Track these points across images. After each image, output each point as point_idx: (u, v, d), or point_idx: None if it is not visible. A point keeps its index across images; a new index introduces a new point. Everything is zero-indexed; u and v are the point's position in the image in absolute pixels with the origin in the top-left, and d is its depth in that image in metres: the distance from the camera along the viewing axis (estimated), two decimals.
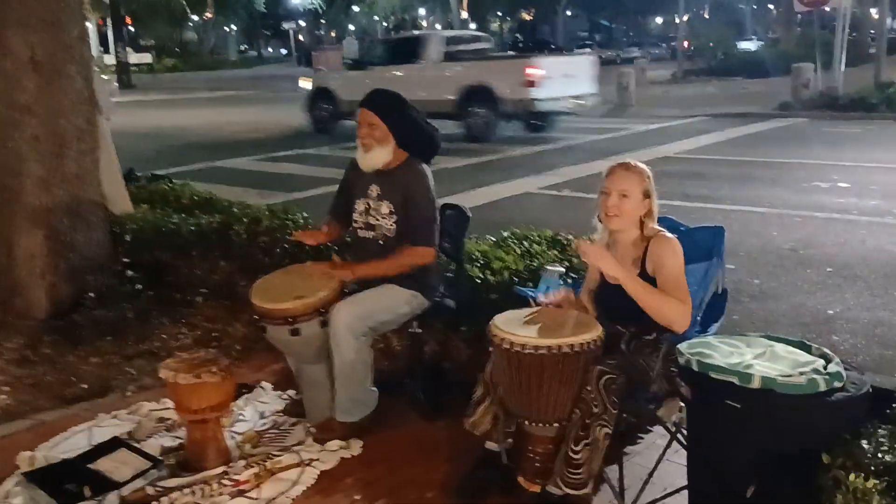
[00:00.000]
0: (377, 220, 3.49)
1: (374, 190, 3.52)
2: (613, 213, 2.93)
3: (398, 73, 15.14)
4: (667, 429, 2.88)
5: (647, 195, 2.90)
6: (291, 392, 3.91)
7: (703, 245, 3.00)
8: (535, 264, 4.14)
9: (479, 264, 4.20)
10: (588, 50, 15.39)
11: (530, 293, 3.23)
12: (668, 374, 2.80)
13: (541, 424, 2.77)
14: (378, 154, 3.45)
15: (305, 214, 6.09)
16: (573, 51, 15.51)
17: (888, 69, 18.75)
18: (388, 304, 3.40)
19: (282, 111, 21.36)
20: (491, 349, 2.82)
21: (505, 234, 4.72)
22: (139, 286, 5.17)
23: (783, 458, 2.10)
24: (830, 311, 5.19)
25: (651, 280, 2.83)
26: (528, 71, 13.82)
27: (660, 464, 2.94)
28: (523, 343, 2.66)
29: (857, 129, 14.40)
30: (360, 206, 3.58)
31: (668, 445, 2.91)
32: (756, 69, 27.14)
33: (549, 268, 3.22)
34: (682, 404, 2.86)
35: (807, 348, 2.41)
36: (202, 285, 5.38)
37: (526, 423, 2.80)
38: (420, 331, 3.68)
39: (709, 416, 2.28)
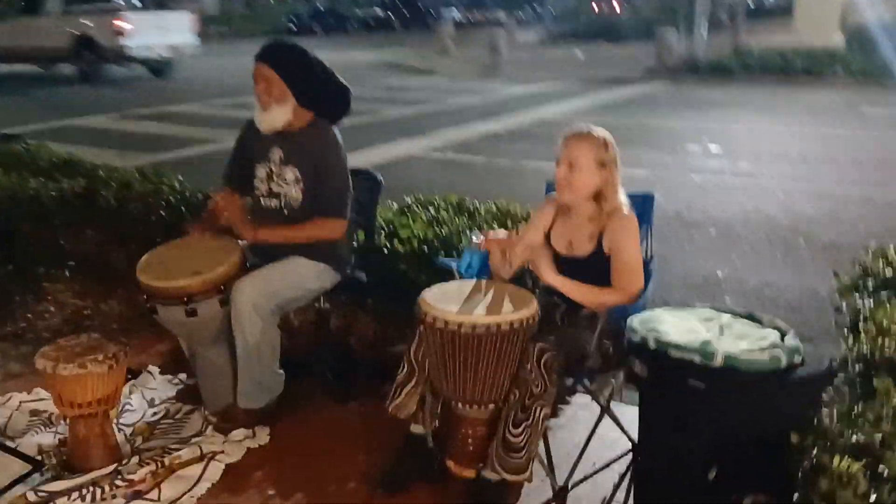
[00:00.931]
0: (281, 186, 3.17)
1: (277, 153, 3.19)
2: (563, 184, 2.74)
3: (26, 24, 17.68)
4: (600, 404, 2.76)
5: (602, 165, 2.71)
6: (182, 376, 3.57)
7: None
8: (443, 232, 3.93)
9: (384, 232, 3.95)
10: (186, 10, 18.39)
11: (454, 264, 3.02)
12: (603, 349, 2.68)
13: (475, 406, 2.59)
14: (277, 113, 3.12)
15: (181, 178, 5.64)
16: (167, 6, 18.12)
17: (749, 35, 19.64)
18: (296, 280, 3.11)
19: None
20: (421, 328, 2.59)
21: (408, 199, 4.48)
22: None
23: (747, 439, 2.01)
24: (719, 273, 5.28)
25: (608, 258, 2.68)
26: (116, 23, 16.58)
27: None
28: (459, 322, 2.45)
29: (720, 94, 14.94)
30: (260, 171, 3.24)
31: (599, 420, 2.80)
32: (619, 33, 27.81)
33: (474, 239, 3.01)
34: (615, 381, 2.77)
35: (757, 321, 2.33)
36: (68, 258, 4.87)
37: (458, 405, 2.61)
38: (328, 306, 3.41)
39: (666, 395, 2.17)
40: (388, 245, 3.87)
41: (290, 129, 3.17)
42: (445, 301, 2.57)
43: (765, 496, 2.00)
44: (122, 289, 4.58)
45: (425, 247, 3.85)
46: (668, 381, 2.14)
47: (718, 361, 2.03)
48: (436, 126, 11.23)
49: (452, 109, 13.51)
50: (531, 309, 2.53)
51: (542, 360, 2.47)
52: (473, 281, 2.78)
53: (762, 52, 18.21)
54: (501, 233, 2.86)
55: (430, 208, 4.34)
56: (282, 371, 3.16)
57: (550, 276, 2.65)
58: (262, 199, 3.24)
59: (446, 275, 3.71)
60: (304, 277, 3.13)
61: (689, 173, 8.20)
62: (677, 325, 2.24)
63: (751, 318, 2.35)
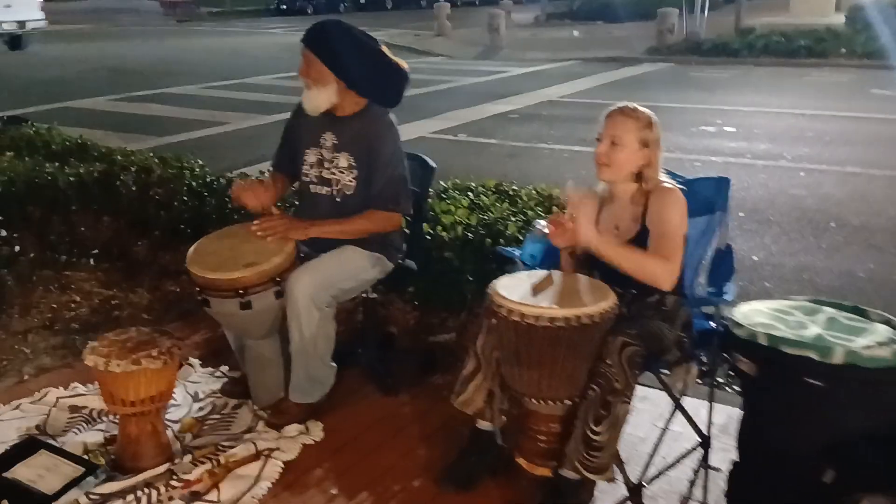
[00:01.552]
0: (333, 173, 3.04)
1: (329, 138, 3.06)
2: (602, 161, 2.63)
3: None
4: (674, 398, 2.66)
5: (645, 144, 2.60)
6: (224, 368, 3.45)
7: (703, 197, 2.75)
8: (488, 218, 3.81)
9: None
10: None
11: (516, 253, 2.91)
12: (680, 341, 2.58)
13: (549, 402, 2.48)
14: (318, 95, 2.99)
15: (201, 162, 5.50)
16: None
17: (748, 14, 19.49)
18: (351, 270, 2.98)
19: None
20: (493, 320, 2.47)
21: (445, 184, 4.36)
22: (17, 248, 4.47)
23: (865, 438, 1.92)
24: (755, 258, 5.19)
25: None
26: None
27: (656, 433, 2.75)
28: (537, 314, 2.33)
29: (724, 74, 14.85)
30: (310, 156, 3.11)
31: (673, 415, 2.71)
32: (616, 13, 27.53)
33: (537, 225, 2.89)
34: (688, 374, 2.67)
35: (862, 312, 2.23)
36: (91, 246, 4.73)
37: (532, 401, 2.50)
38: (374, 295, 3.29)
39: (779, 394, 2.06)
40: (431, 231, 3.76)
41: (344, 114, 3.04)
42: (518, 292, 2.46)
43: (884, 498, 1.91)
44: (148, 277, 4.46)
45: (469, 234, 3.74)
46: (781, 379, 2.03)
47: (838, 359, 1.93)
48: (443, 107, 11.07)
49: (458, 90, 13.36)
50: (610, 300, 2.41)
51: (625, 355, 2.37)
52: (543, 271, 2.66)
53: (764, 32, 18.07)
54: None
55: (469, 193, 4.22)
56: (334, 364, 3.04)
57: (591, 235, 2.44)
58: (311, 185, 3.10)
59: (492, 262, 3.62)
60: (360, 267, 3.01)
61: (708, 155, 8.10)
62: (783, 320, 2.13)
63: (856, 310, 2.24)
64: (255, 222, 2.96)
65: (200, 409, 3.13)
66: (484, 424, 2.71)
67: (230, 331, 3.11)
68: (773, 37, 17.37)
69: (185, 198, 5.01)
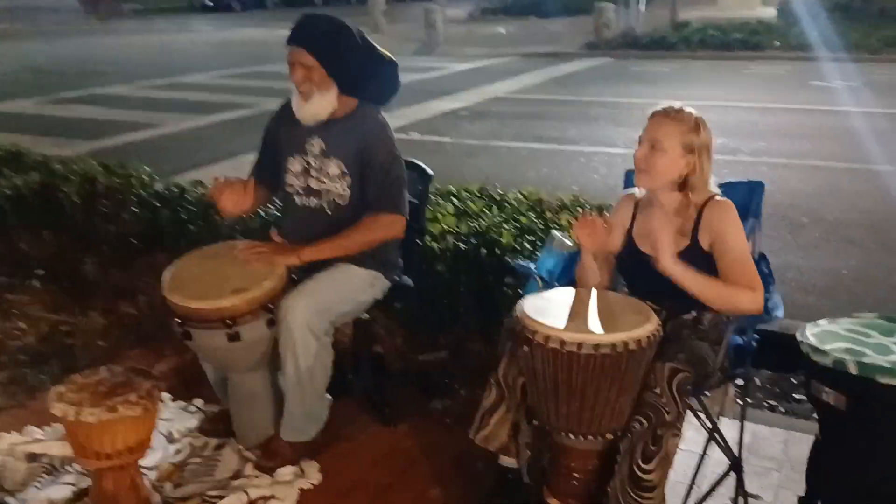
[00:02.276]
0: (323, 182, 2.73)
1: (318, 145, 2.74)
2: (641, 166, 2.39)
3: None
4: (712, 422, 2.44)
5: (689, 150, 2.36)
6: (199, 402, 3.10)
7: (736, 203, 2.53)
8: (481, 226, 3.54)
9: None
10: None
11: (531, 268, 2.64)
12: (722, 362, 2.36)
13: (589, 437, 2.23)
14: (320, 102, 2.67)
15: (148, 168, 5.09)
16: None
17: (682, 8, 19.68)
18: (348, 292, 2.68)
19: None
20: (525, 348, 2.20)
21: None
22: None
23: None
24: None
25: (705, 256, 2.34)
26: None
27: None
28: (579, 341, 2.07)
29: (664, 68, 14.88)
30: (294, 165, 2.78)
31: (709, 441, 2.50)
32: (548, 8, 27.57)
33: (557, 235, 2.64)
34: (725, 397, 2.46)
35: None
36: (33, 265, 4.29)
37: (570, 435, 2.24)
38: (367, 317, 2.99)
39: (875, 429, 1.84)
40: (419, 242, 3.47)
41: (333, 117, 2.72)
42: (550, 315, 2.20)
43: None
44: (100, 299, 4.05)
45: (461, 244, 3.47)
46: (876, 412, 1.81)
47: None
48: (389, 105, 10.73)
49: (403, 87, 12.97)
50: (654, 322, 2.17)
51: (675, 382, 2.13)
52: (570, 289, 2.40)
53: (699, 26, 18.25)
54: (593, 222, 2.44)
55: (453, 198, 3.95)
56: (329, 396, 2.73)
57: (670, 264, 2.26)
58: (296, 197, 2.78)
59: (488, 275, 3.36)
60: (357, 288, 2.71)
61: None
62: (863, 342, 1.92)
63: None
64: (239, 243, 2.64)
65: (178, 451, 2.78)
66: (508, 461, 2.45)
67: (212, 363, 2.77)
68: (709, 30, 17.55)
69: (135, 209, 4.61)
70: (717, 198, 2.40)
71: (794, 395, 3.47)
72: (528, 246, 3.37)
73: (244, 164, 7.83)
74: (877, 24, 17.18)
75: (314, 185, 2.74)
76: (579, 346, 2.08)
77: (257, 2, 39.86)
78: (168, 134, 9.35)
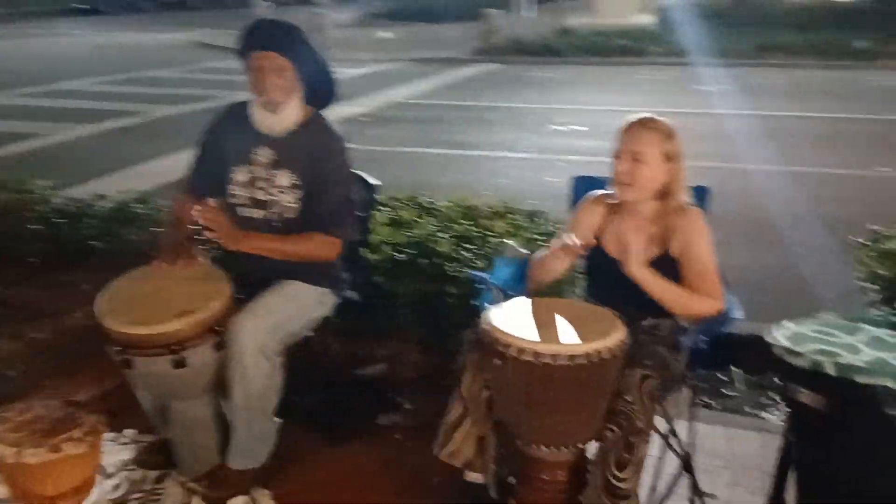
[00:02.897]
0: (272, 194, 2.60)
1: (266, 154, 2.61)
2: (625, 181, 2.39)
3: None
4: (670, 427, 2.45)
5: (668, 158, 2.38)
6: (131, 432, 2.89)
7: None
8: (416, 235, 3.48)
9: None
10: None
11: (489, 278, 2.59)
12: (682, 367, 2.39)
13: (561, 448, 2.20)
14: (290, 111, 2.58)
15: (44, 182, 4.79)
16: None
17: (559, 15, 20.19)
18: (298, 309, 2.56)
19: None
20: (497, 362, 2.14)
21: None
22: None
23: None
24: None
25: (675, 264, 2.36)
26: None
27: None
28: (554, 352, 2.04)
29: (553, 74, 15.18)
30: (239, 175, 2.64)
31: (666, 446, 2.51)
32: (435, 14, 27.73)
33: (509, 243, 2.61)
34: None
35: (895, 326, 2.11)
36: None
37: (541, 447, 2.21)
38: (312, 334, 2.86)
39: (852, 428, 1.88)
40: (362, 255, 3.38)
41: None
42: (518, 327, 2.16)
43: None
44: (5, 322, 3.76)
45: (397, 253, 3.40)
46: (855, 412, 1.86)
47: None
48: None
49: None
50: (622, 329, 2.17)
51: (645, 388, 2.14)
52: (531, 300, 2.37)
53: (584, 32, 18.75)
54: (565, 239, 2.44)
55: (382, 207, 3.86)
56: (278, 419, 2.60)
57: (638, 269, 2.27)
58: (240, 208, 2.64)
59: (428, 283, 3.30)
60: (307, 306, 2.59)
61: (568, 155, 8.11)
62: (834, 343, 1.96)
63: (891, 325, 2.12)
64: (177, 254, 2.49)
65: (115, 486, 2.58)
66: (474, 476, 2.39)
67: (152, 392, 2.58)
68: (593, 37, 18.04)
69: (34, 226, 4.31)
70: (687, 206, 2.42)
71: (723, 390, 3.56)
72: (466, 254, 3.33)
73: (142, 174, 7.52)
74: (749, 30, 18.08)
75: (260, 196, 2.61)
76: (554, 357, 2.05)
77: (130, 5, 38.41)
78: (53, 144, 8.81)
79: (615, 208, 2.52)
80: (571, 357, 2.05)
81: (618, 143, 2.41)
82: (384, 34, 24.34)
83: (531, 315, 2.26)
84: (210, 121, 2.80)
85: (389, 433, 2.95)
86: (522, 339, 2.09)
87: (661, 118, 2.42)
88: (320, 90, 2.67)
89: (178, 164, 7.42)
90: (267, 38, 2.54)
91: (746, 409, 3.33)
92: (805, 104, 11.06)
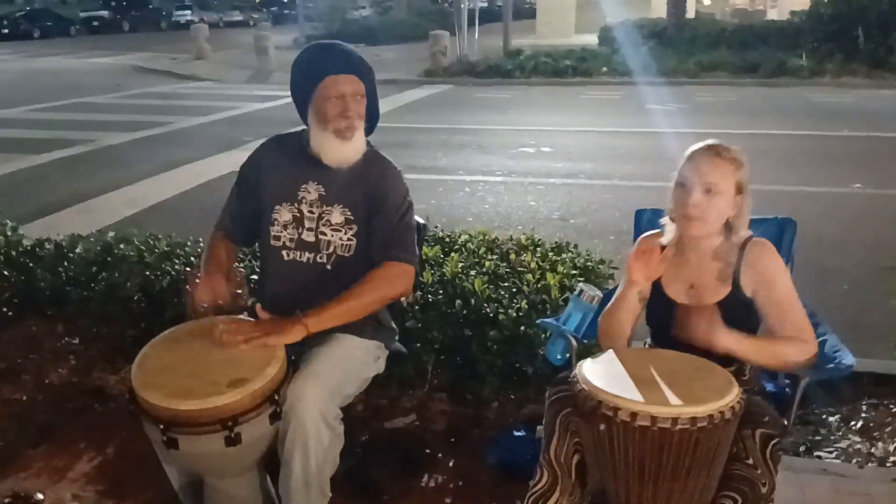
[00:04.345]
0: (324, 234, 2.33)
1: (314, 189, 2.35)
2: (695, 214, 2.15)
3: None
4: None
5: (739, 190, 2.18)
6: None
7: None
8: (445, 273, 3.23)
9: None
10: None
11: (563, 327, 2.36)
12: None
13: None
14: (360, 139, 2.35)
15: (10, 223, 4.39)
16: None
17: (511, 35, 20.25)
18: (354, 368, 2.29)
19: None
20: (602, 427, 1.91)
21: None
22: None
23: None
24: None
25: (747, 302, 2.16)
26: None
27: None
28: (674, 416, 1.82)
29: (505, 94, 15.13)
30: (283, 214, 2.37)
31: None
32: (377, 36, 27.57)
33: (584, 289, 2.38)
34: None
35: None
36: None
37: None
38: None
39: None
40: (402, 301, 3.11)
41: None
42: (620, 385, 1.93)
43: None
44: None
45: (428, 295, 3.14)
46: None
47: None
48: (245, 136, 10.12)
49: (250, 117, 12.45)
50: (735, 384, 1.96)
51: (769, 450, 1.93)
52: (616, 351, 2.14)
53: (531, 53, 18.79)
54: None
55: None
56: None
57: (725, 339, 2.04)
58: (284, 251, 2.36)
59: (462, 328, 3.06)
60: (363, 363, 2.32)
61: (541, 176, 7.97)
62: None
63: None
64: (217, 320, 2.18)
65: None
66: None
67: (192, 469, 2.25)
68: (541, 58, 18.08)
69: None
70: (755, 238, 2.23)
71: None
72: (503, 293, 3.10)
73: (99, 209, 7.06)
74: (690, 50, 18.38)
75: (308, 237, 2.34)
76: (673, 421, 1.82)
77: (60, 28, 37.31)
78: None
79: (672, 244, 2.30)
80: (693, 420, 1.82)
81: (685, 172, 2.18)
82: None
83: (626, 370, 2.03)
84: (249, 156, 2.52)
85: (439, 496, 2.69)
86: (634, 402, 1.86)
87: (732, 145, 2.21)
88: (372, 118, 2.42)
89: (136, 196, 7.15)
90: (345, 61, 2.31)
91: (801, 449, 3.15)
92: (749, 121, 11.17)
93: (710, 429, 1.84)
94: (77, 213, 6.66)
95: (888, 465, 2.91)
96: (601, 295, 2.42)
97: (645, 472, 1.90)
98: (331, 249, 2.34)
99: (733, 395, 1.89)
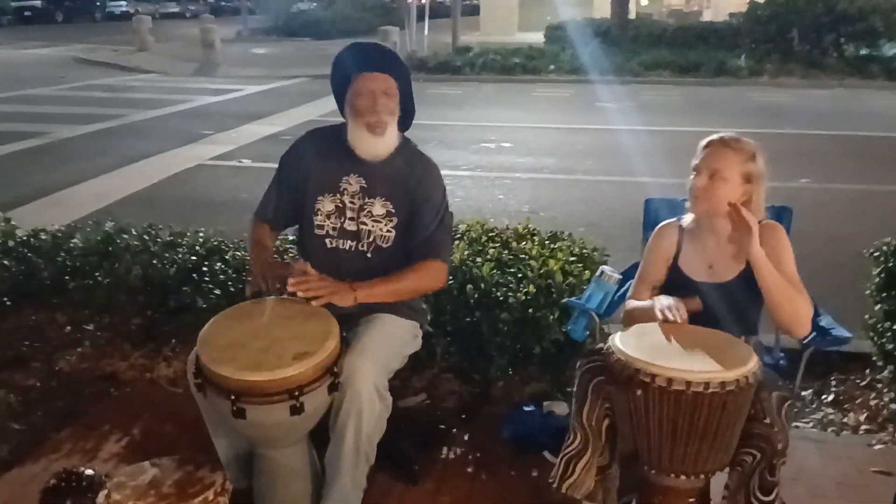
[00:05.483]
0: (364, 223, 2.48)
1: (355, 182, 2.50)
2: (700, 195, 2.41)
3: None
4: None
5: (748, 179, 2.41)
6: None
7: None
8: (454, 259, 3.39)
9: None
10: None
11: (588, 306, 2.56)
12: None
13: (699, 476, 2.19)
14: (392, 134, 2.50)
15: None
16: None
17: (441, 33, 20.43)
18: (398, 345, 2.46)
19: None
20: (639, 392, 2.11)
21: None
22: None
23: None
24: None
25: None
26: None
27: None
28: (706, 380, 2.03)
29: (457, 91, 15.32)
30: (325, 204, 2.52)
31: None
32: (323, 30, 27.50)
33: (605, 271, 2.58)
34: None
35: None
36: None
37: (679, 476, 2.19)
38: None
39: None
40: None
41: None
42: (666, 356, 2.14)
43: None
44: None
45: None
46: None
47: None
48: (201, 129, 10.12)
49: (203, 111, 12.35)
50: (754, 353, 2.19)
51: (784, 410, 2.17)
52: (652, 325, 2.34)
53: (480, 51, 19.02)
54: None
55: None
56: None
57: (756, 247, 2.26)
58: (327, 239, 2.51)
59: (473, 312, 3.23)
60: (405, 340, 2.49)
61: (507, 171, 8.19)
62: None
63: None
64: (269, 298, 2.32)
65: None
66: None
67: (249, 440, 2.37)
68: (490, 55, 18.34)
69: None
70: (766, 221, 2.46)
71: None
72: (510, 278, 3.29)
73: (68, 201, 7.00)
74: (633, 49, 18.87)
75: (351, 226, 2.49)
76: (706, 385, 2.04)
77: None
78: None
79: (691, 232, 2.54)
80: (722, 384, 2.04)
81: (697, 159, 2.43)
82: (272, 49, 23.91)
83: (657, 342, 2.24)
84: (289, 149, 2.65)
85: (461, 468, 2.86)
86: (671, 369, 2.06)
87: (746, 138, 2.46)
88: (408, 115, 2.58)
89: (104, 189, 7.10)
90: (378, 59, 2.48)
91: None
92: (697, 119, 11.53)
93: (737, 392, 2.05)
94: (46, 206, 6.61)
95: (860, 433, 3.19)
96: (620, 276, 2.63)
97: (677, 432, 2.11)
98: (371, 239, 2.50)
99: (754, 363, 2.11)
